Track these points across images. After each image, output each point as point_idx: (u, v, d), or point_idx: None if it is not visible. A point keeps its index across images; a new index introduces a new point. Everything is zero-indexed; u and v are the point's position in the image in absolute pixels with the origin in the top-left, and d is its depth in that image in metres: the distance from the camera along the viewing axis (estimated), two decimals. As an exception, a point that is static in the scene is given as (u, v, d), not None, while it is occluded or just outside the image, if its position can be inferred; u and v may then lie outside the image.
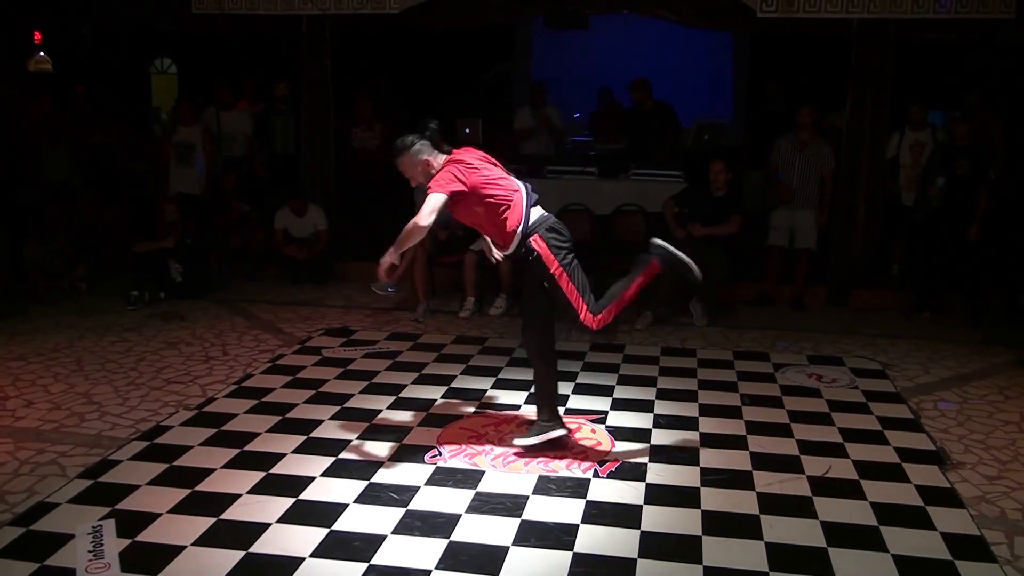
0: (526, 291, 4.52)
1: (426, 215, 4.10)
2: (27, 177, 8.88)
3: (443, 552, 3.49)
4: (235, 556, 3.44)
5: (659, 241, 4.43)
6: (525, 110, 9.65)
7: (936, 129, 8.00)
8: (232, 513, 3.80)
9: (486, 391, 5.44)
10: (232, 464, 4.31)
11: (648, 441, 4.66)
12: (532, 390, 4.78)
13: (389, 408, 5.11)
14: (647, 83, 8.96)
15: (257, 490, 4.02)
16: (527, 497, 3.98)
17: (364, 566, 3.39)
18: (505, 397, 5.35)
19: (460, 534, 3.64)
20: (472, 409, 5.14)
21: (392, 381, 5.60)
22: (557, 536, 3.64)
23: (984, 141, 7.60)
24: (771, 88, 8.99)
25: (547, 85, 9.76)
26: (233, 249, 8.59)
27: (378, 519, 3.76)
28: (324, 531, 3.65)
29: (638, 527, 3.72)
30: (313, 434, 4.70)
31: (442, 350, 6.30)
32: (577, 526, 3.72)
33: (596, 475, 4.23)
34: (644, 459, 4.43)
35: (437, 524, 3.72)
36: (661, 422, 4.94)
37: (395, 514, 3.80)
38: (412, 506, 3.88)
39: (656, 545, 3.57)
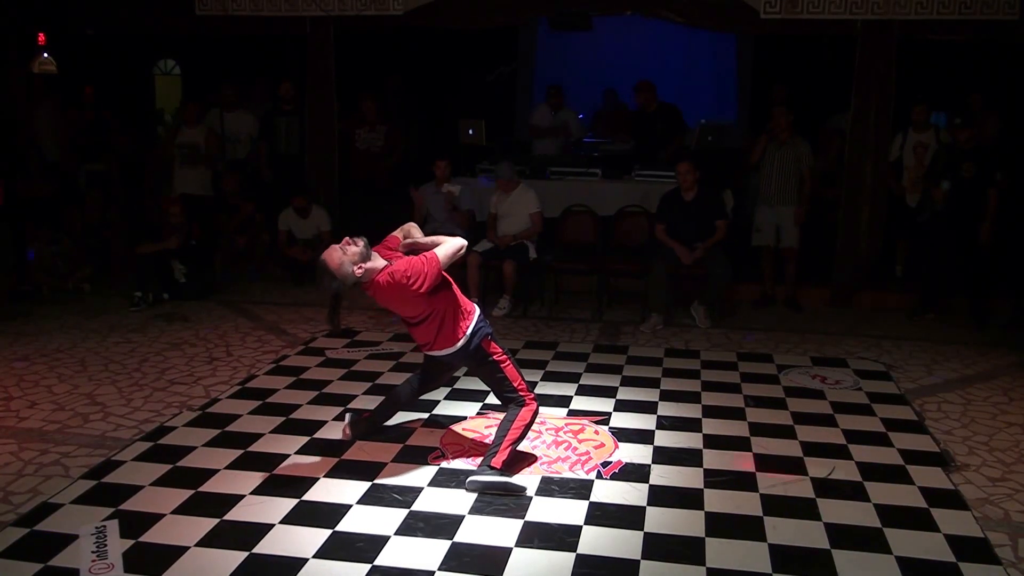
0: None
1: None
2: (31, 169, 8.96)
3: (446, 553, 3.49)
4: (238, 557, 3.45)
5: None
6: (544, 108, 9.63)
7: (940, 130, 7.98)
8: (235, 514, 3.81)
9: (489, 392, 5.40)
10: (235, 465, 4.31)
11: (651, 442, 4.66)
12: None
13: (392, 409, 5.11)
14: (652, 85, 8.95)
15: (260, 491, 4.03)
16: (530, 498, 3.98)
17: (367, 567, 3.39)
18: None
19: (463, 535, 3.64)
20: (475, 410, 5.14)
21: (395, 382, 5.57)
22: (560, 537, 3.63)
23: (985, 142, 7.58)
24: (777, 90, 8.98)
25: (553, 86, 9.75)
26: (238, 250, 8.59)
27: (381, 520, 3.76)
28: (327, 532, 3.65)
29: (641, 528, 3.72)
30: (316, 435, 4.71)
31: (445, 351, 6.29)
32: (580, 527, 3.72)
33: (599, 476, 4.23)
34: (647, 460, 4.43)
35: (440, 525, 3.72)
36: (664, 423, 4.94)
37: (398, 515, 3.80)
38: (415, 507, 3.88)
39: (659, 546, 3.57)
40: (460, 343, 4.24)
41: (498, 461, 4.11)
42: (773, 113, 7.63)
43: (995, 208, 7.03)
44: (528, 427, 4.26)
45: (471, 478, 4.07)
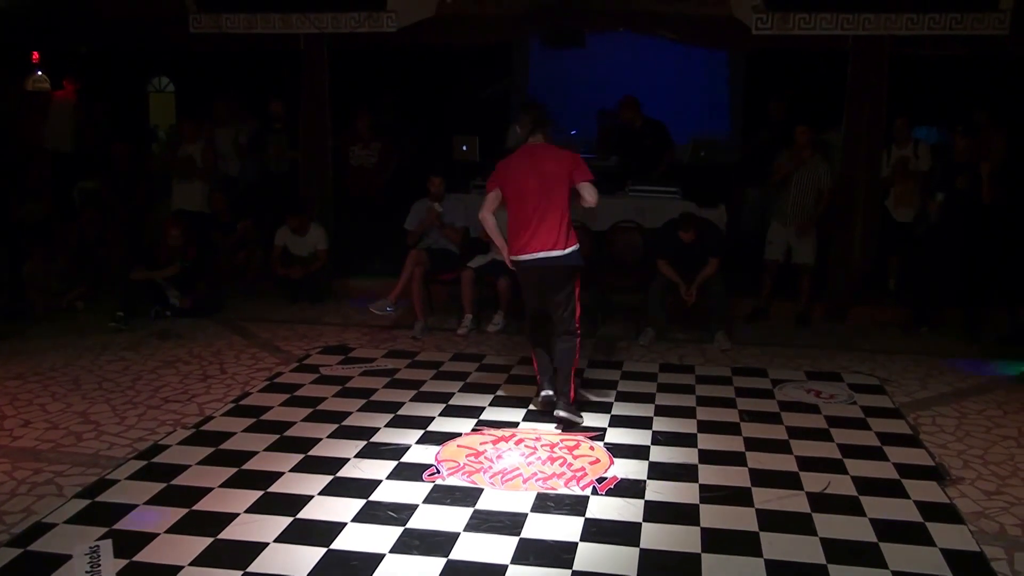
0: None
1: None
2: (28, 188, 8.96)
3: (441, 570, 3.48)
4: (233, 576, 3.44)
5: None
6: (514, 129, 9.64)
7: (919, 144, 7.98)
8: (230, 532, 3.79)
9: (484, 408, 5.44)
10: (230, 483, 4.30)
11: (647, 458, 4.66)
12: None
13: (387, 426, 5.11)
14: (636, 101, 8.96)
15: (255, 509, 4.01)
16: (526, 515, 3.98)
17: (362, 585, 3.38)
18: (503, 414, 5.34)
19: (459, 552, 3.63)
20: (470, 426, 5.13)
21: (390, 399, 5.59)
22: (556, 554, 3.63)
23: (988, 157, 7.56)
24: (773, 106, 9.02)
25: (541, 103, 9.76)
26: (236, 267, 8.57)
27: (376, 538, 3.75)
28: (322, 550, 3.64)
29: (637, 544, 3.72)
30: (311, 452, 4.69)
31: (440, 367, 6.30)
32: (576, 544, 3.72)
33: (595, 492, 4.22)
34: (643, 476, 4.42)
35: (436, 542, 3.71)
36: (660, 439, 4.94)
37: (393, 532, 3.79)
38: (410, 524, 3.87)
39: (655, 562, 3.57)
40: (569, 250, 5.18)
41: (573, 396, 5.14)
42: (796, 132, 7.56)
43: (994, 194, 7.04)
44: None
45: (557, 412, 5.03)
